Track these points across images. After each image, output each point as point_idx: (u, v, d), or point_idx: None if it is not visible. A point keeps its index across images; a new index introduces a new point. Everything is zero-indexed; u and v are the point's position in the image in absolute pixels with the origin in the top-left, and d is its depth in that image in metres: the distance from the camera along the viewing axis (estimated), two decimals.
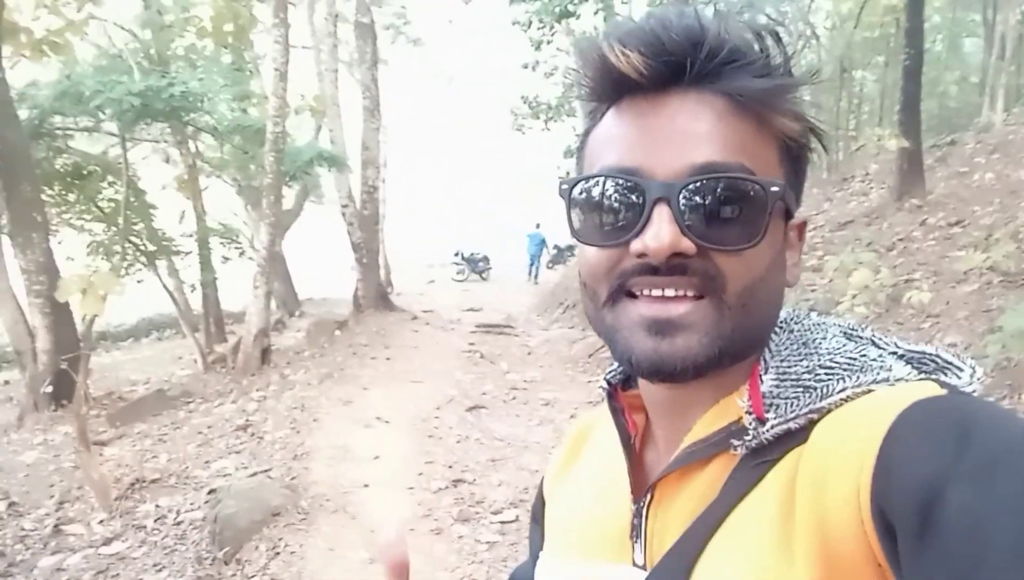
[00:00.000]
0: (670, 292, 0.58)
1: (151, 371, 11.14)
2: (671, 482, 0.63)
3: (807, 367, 0.59)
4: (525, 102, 17.96)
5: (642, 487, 0.66)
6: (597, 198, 0.61)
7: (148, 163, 12.85)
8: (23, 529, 4.92)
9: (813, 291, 7.79)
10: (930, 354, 0.61)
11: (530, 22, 14.63)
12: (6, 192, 7.77)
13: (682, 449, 0.62)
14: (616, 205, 0.59)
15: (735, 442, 0.58)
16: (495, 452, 6.19)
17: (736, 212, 0.57)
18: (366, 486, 5.42)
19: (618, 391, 0.73)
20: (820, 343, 0.61)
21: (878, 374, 0.56)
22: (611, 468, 0.71)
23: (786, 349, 0.61)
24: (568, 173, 0.70)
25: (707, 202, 0.56)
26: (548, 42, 15.19)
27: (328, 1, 13.92)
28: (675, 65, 0.58)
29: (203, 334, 11.16)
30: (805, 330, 0.63)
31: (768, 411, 0.57)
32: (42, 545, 4.69)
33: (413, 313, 14.02)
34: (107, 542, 4.69)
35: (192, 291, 11.36)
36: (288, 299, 17.84)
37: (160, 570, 4.32)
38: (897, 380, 0.56)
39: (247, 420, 6.97)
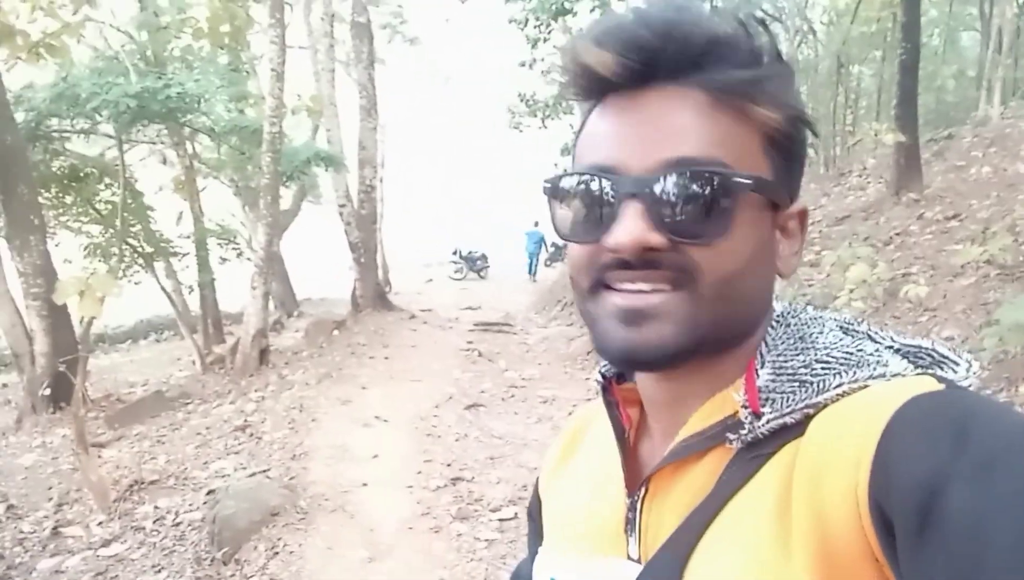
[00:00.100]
0: (644, 286, 0.58)
1: (149, 373, 11.15)
2: (665, 475, 0.63)
3: (803, 362, 0.59)
4: (522, 100, 17.93)
5: (637, 481, 0.66)
6: (576, 195, 0.62)
7: (145, 165, 12.85)
8: (22, 531, 4.93)
9: (811, 286, 7.79)
10: (926, 348, 0.61)
11: (526, 20, 14.59)
12: (3, 195, 7.77)
13: (677, 442, 0.62)
14: (592, 202, 0.60)
15: (730, 436, 0.59)
16: (494, 450, 6.19)
17: (706, 206, 0.57)
18: (365, 485, 5.42)
19: (613, 384, 0.72)
20: (817, 338, 0.61)
21: (874, 369, 0.56)
22: (607, 462, 0.71)
23: (782, 343, 0.61)
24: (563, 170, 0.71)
25: (677, 197, 0.56)
26: (545, 40, 15.13)
27: (324, 1, 13.92)
28: (649, 61, 0.58)
29: (201, 335, 11.17)
30: (802, 324, 0.63)
31: (764, 405, 0.58)
32: (41, 547, 4.69)
33: (411, 312, 14.03)
34: (106, 544, 4.69)
35: (190, 292, 11.39)
36: (286, 299, 17.84)
37: (159, 571, 4.33)
38: (893, 375, 0.56)
39: (245, 421, 6.97)
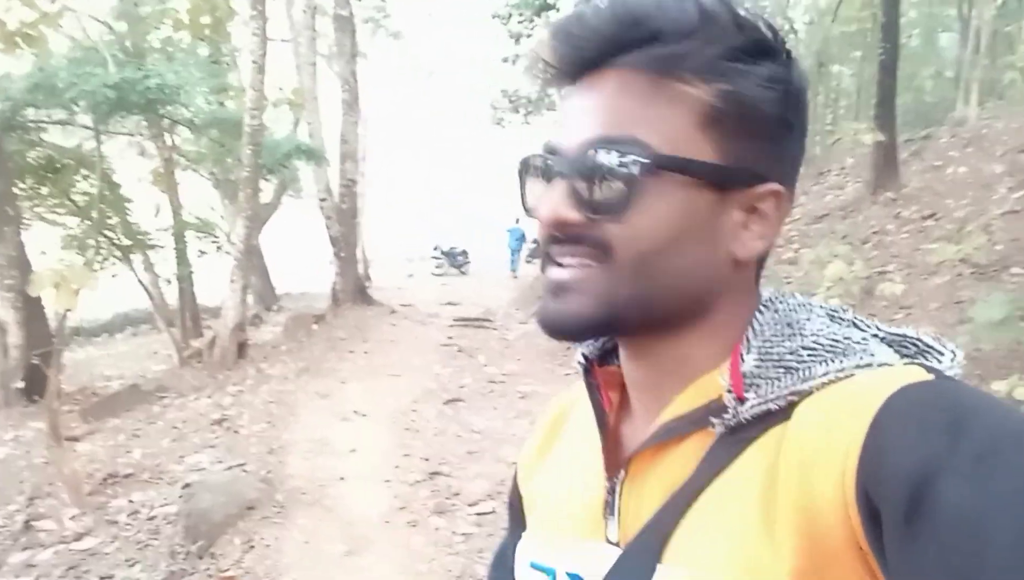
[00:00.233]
0: (570, 260, 0.61)
1: (125, 366, 11.06)
2: (646, 458, 0.63)
3: (790, 348, 0.58)
4: (505, 96, 17.94)
5: (617, 464, 0.66)
6: (532, 174, 0.66)
7: (123, 156, 12.70)
8: None
9: (789, 283, 7.85)
10: (911, 337, 0.61)
11: (509, 15, 14.58)
12: None
13: (659, 424, 0.62)
14: (537, 181, 0.64)
15: (714, 420, 0.58)
16: (473, 445, 6.19)
17: (613, 182, 0.58)
18: (342, 479, 5.41)
19: (595, 366, 0.72)
20: (804, 324, 0.60)
21: (861, 358, 0.56)
22: (589, 446, 0.70)
23: (769, 329, 0.61)
24: None
25: (591, 174, 0.58)
26: (528, 35, 15.15)
27: None
28: (585, 47, 0.60)
29: (179, 329, 11.05)
30: (790, 310, 0.63)
31: (748, 391, 0.57)
32: (12, 541, 4.63)
33: (391, 307, 13.97)
34: (79, 538, 4.64)
35: (168, 285, 11.25)
36: (265, 293, 17.73)
37: (132, 565, 4.29)
38: (881, 364, 0.56)
39: (223, 414, 6.93)
